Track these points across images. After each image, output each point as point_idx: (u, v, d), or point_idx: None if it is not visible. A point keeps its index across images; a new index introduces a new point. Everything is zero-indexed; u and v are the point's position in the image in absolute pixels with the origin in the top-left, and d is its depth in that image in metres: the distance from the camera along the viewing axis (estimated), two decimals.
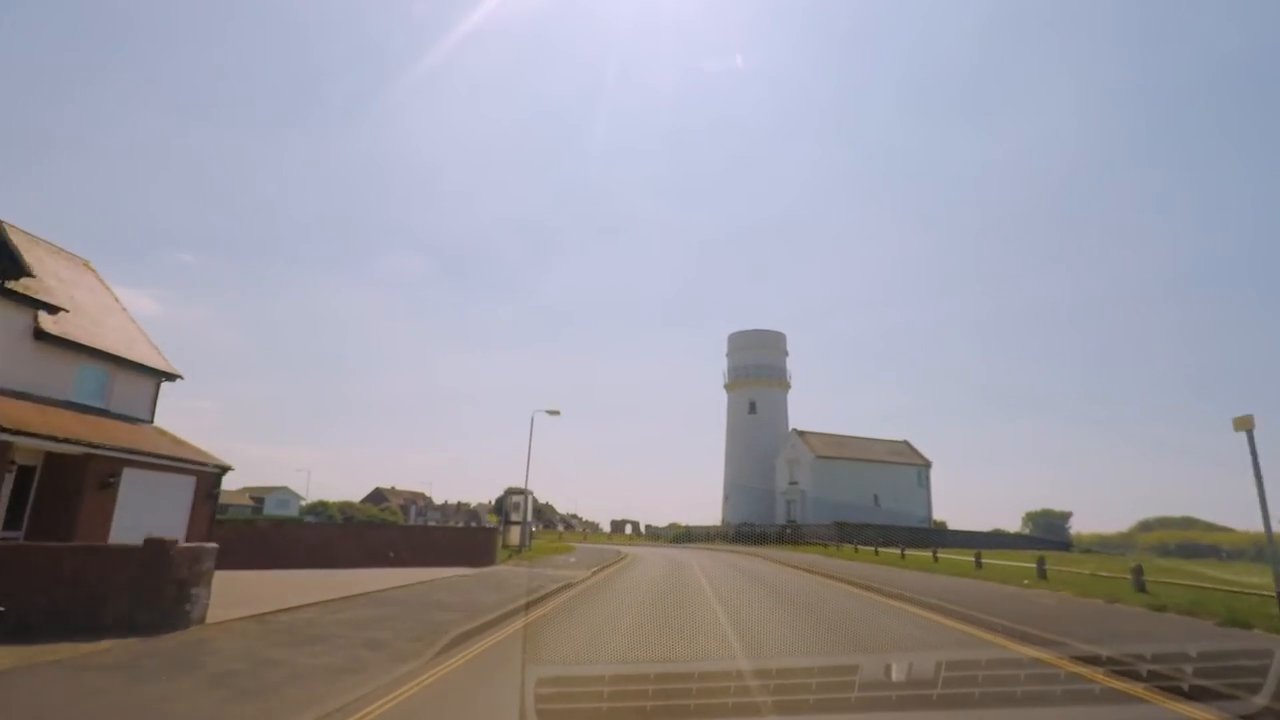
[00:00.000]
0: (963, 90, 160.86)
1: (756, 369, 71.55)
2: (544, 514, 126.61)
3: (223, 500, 75.37)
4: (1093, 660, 7.14)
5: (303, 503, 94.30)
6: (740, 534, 61.33)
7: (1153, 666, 6.32)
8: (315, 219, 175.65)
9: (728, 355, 74.65)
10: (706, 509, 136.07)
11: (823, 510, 57.60)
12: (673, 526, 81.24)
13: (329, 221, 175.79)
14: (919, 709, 4.66)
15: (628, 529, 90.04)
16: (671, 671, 6.50)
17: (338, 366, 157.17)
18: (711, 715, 4.86)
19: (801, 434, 64.30)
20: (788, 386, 72.67)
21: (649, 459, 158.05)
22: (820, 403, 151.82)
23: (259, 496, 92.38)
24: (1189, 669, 6.02)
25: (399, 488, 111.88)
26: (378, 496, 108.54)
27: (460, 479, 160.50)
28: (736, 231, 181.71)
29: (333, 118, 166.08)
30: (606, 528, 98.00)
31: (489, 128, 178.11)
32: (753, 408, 70.11)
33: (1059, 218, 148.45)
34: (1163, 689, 6.06)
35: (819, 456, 61.08)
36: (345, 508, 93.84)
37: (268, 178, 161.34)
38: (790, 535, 56.53)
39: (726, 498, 69.28)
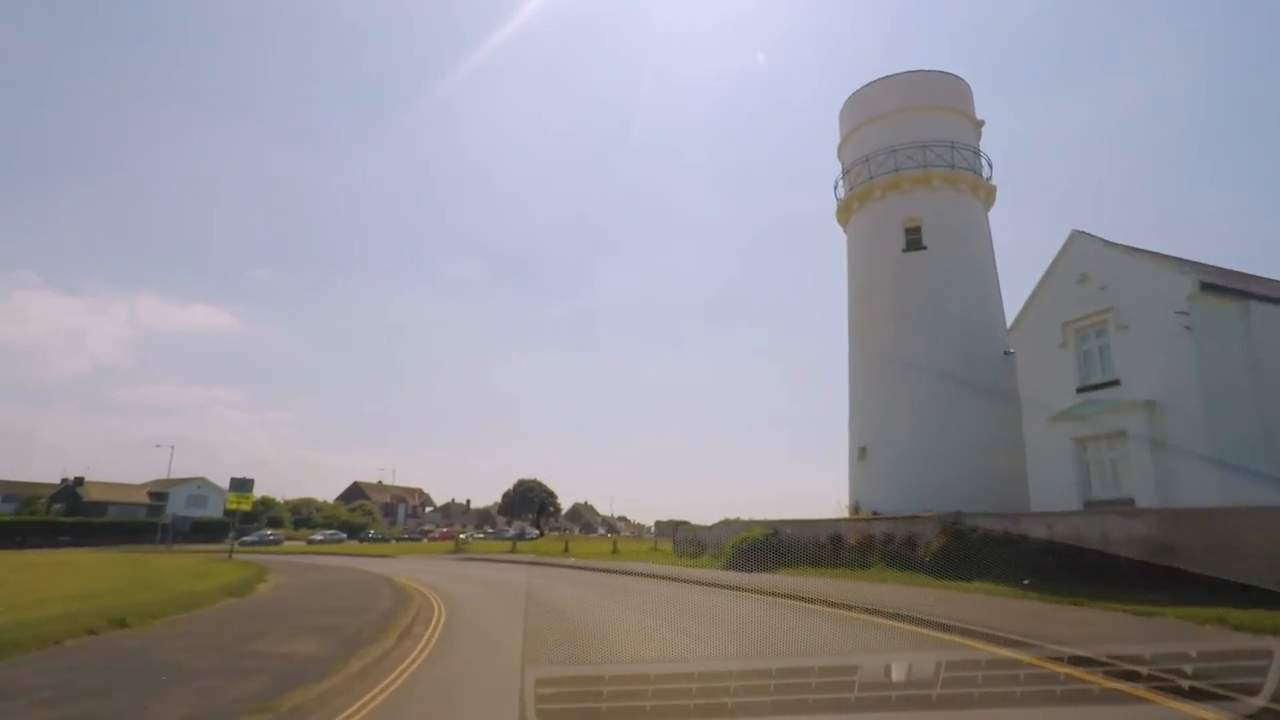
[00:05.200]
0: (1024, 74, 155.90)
1: (919, 155, 28.48)
2: (581, 515, 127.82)
3: (98, 497, 67.85)
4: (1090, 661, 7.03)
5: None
6: (914, 540, 17.88)
7: (1150, 668, 6.25)
8: (377, 228, 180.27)
9: (845, 143, 32.17)
10: (810, 495, 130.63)
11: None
12: (725, 524, 28.52)
13: (390, 230, 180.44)
14: (919, 709, 4.64)
15: (674, 531, 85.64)
16: (672, 671, 6.48)
17: (404, 373, 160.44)
18: (711, 715, 4.86)
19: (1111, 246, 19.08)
20: (989, 193, 29.75)
21: (710, 457, 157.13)
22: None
23: (159, 491, 72.43)
24: (1189, 669, 5.97)
25: (389, 483, 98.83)
26: (354, 493, 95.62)
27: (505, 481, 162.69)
28: (788, 224, 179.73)
29: (387, 125, 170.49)
30: (652, 529, 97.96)
31: (538, 127, 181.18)
32: (914, 240, 28.13)
33: None
34: (1164, 689, 5.98)
35: (1204, 288, 16.31)
36: (304, 505, 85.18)
37: (328, 188, 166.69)
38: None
39: (862, 454, 27.70)
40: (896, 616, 10.89)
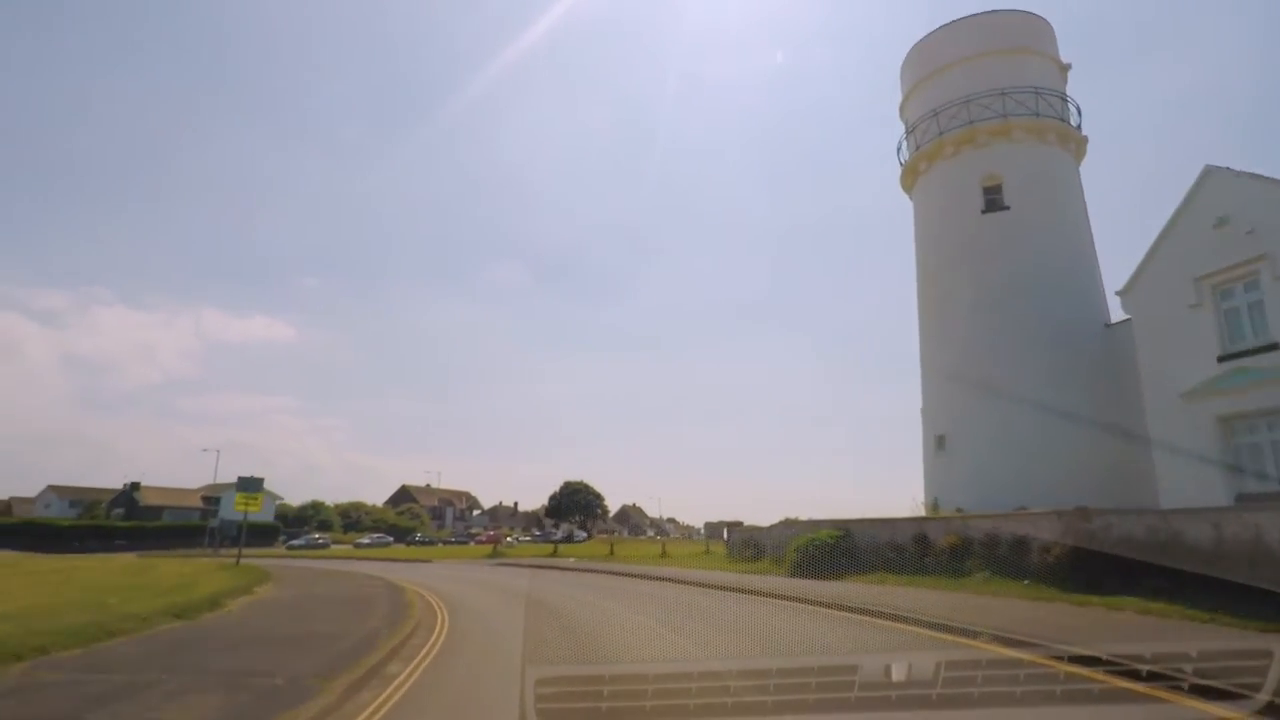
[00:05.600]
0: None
1: (996, 104, 24.31)
2: (629, 517, 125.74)
3: (154, 501, 68.11)
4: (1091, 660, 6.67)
5: (279, 503, 77.05)
6: (1026, 543, 13.86)
7: (1152, 667, 6.03)
8: (423, 236, 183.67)
9: (907, 100, 28.39)
10: (875, 492, 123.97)
11: None
12: (786, 524, 24.77)
13: (435, 237, 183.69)
14: (919, 709, 4.60)
15: (725, 533, 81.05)
16: (672, 671, 6.47)
17: (451, 378, 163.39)
18: (711, 715, 4.87)
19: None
20: (1080, 144, 25.57)
21: (760, 457, 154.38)
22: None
23: (212, 496, 71.20)
24: (1189, 669, 5.66)
25: (436, 487, 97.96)
26: (403, 496, 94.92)
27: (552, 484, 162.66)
28: (833, 218, 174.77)
29: (430, 134, 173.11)
30: (701, 531, 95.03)
31: (577, 130, 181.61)
32: (993, 200, 24.08)
33: None
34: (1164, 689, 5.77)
35: None
36: (354, 509, 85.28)
37: (375, 198, 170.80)
38: None
39: (940, 444, 23.82)
40: (1090, 661, 6.70)
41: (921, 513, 23.79)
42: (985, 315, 23.24)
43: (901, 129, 29.35)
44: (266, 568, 26.77)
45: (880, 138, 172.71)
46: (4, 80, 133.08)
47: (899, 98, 29.56)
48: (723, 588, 17.24)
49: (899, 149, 29.34)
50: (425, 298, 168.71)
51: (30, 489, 77.33)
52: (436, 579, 23.49)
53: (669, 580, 20.53)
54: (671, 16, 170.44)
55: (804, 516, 24.49)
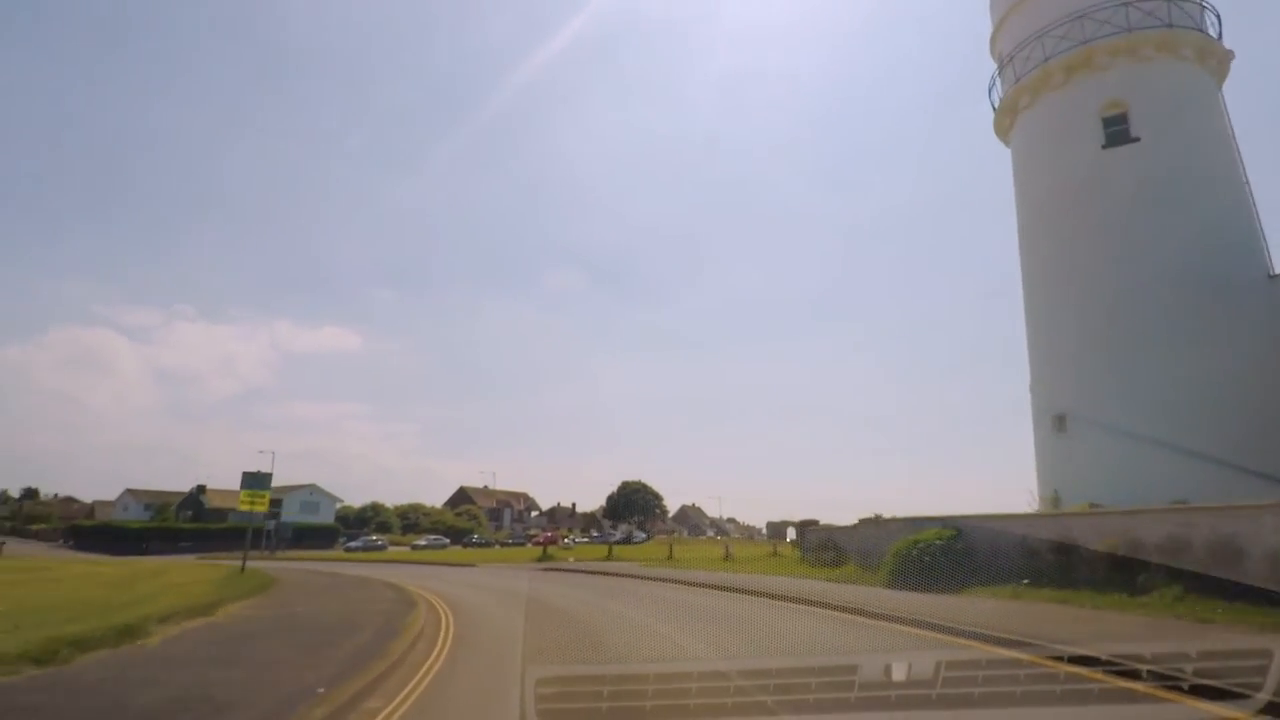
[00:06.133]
0: None
1: (1118, 16, 20.01)
2: (689, 517, 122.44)
3: (219, 504, 66.08)
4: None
5: (339, 505, 77.50)
6: (1235, 546, 10.26)
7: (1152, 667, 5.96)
8: (482, 244, 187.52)
9: (1000, 30, 24.12)
10: (965, 486, 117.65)
11: None
12: (873, 524, 21.24)
13: (494, 245, 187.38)
14: (919, 709, 4.51)
15: (790, 533, 74.30)
16: (672, 671, 6.52)
17: (511, 381, 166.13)
18: (712, 715, 4.88)
19: None
20: (1221, 60, 20.82)
21: (823, 455, 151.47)
22: None
23: (274, 499, 74.30)
24: (1189, 669, 5.45)
25: (494, 488, 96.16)
26: (461, 498, 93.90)
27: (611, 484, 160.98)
28: (892, 211, 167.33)
29: (491, 141, 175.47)
30: (764, 531, 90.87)
31: (630, 131, 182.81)
32: (1117, 131, 19.63)
33: None
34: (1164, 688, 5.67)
35: None
36: (412, 511, 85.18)
37: (431, 207, 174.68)
38: None
39: (1059, 425, 19.32)
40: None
41: (1034, 507, 20.27)
42: (1111, 269, 19.36)
43: (993, 69, 25.39)
44: (282, 574, 24.62)
45: (943, 122, 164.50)
46: (94, 119, 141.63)
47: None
48: (817, 603, 13.58)
49: (991, 89, 25.37)
50: (484, 303, 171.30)
51: (116, 494, 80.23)
52: (469, 591, 20.38)
53: (745, 592, 17.13)
54: (712, 11, 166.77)
55: (883, 515, 21.21)
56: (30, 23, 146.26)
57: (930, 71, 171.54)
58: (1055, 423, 20.10)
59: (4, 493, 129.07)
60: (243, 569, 23.03)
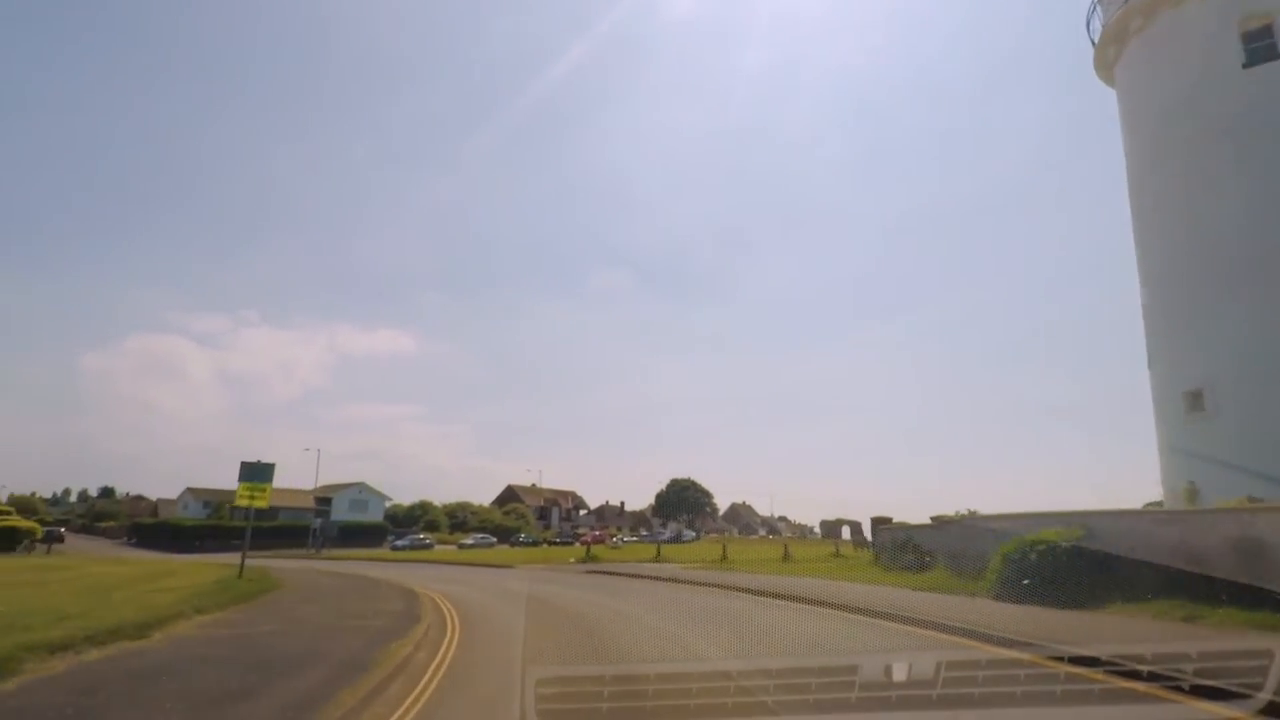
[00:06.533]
0: None
1: None
2: (740, 516, 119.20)
3: (271, 502, 68.52)
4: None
5: (388, 504, 78.49)
6: None
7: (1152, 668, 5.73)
8: (530, 246, 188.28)
9: None
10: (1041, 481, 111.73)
11: None
12: (960, 525, 18.24)
13: (542, 247, 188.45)
14: (919, 709, 4.45)
15: (845, 531, 66.07)
16: (672, 671, 6.49)
17: (561, 382, 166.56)
18: (712, 715, 4.84)
19: None
20: None
21: (877, 451, 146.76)
22: None
23: (324, 497, 72.93)
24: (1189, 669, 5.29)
25: (541, 486, 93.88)
26: (509, 496, 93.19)
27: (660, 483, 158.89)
28: (942, 201, 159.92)
29: (532, 144, 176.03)
30: (816, 530, 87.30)
31: (674, 129, 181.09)
32: (1262, 48, 16.60)
33: None
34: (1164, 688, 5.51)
35: None
36: (460, 509, 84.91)
37: (482, 209, 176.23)
38: None
39: (1195, 404, 16.59)
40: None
41: (1156, 501, 17.34)
42: (1259, 208, 16.34)
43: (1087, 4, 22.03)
44: (296, 578, 22.82)
45: (992, 107, 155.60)
46: (165, 134, 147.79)
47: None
48: (923, 623, 10.63)
49: (1088, 22, 22.00)
50: (531, 304, 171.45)
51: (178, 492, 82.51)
52: (501, 596, 18.44)
53: (827, 606, 13.84)
54: (748, 6, 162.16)
55: (951, 512, 18.35)
56: (113, 46, 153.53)
57: (978, 48, 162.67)
58: (1189, 400, 16.87)
59: (83, 491, 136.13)
60: (240, 574, 19.73)
